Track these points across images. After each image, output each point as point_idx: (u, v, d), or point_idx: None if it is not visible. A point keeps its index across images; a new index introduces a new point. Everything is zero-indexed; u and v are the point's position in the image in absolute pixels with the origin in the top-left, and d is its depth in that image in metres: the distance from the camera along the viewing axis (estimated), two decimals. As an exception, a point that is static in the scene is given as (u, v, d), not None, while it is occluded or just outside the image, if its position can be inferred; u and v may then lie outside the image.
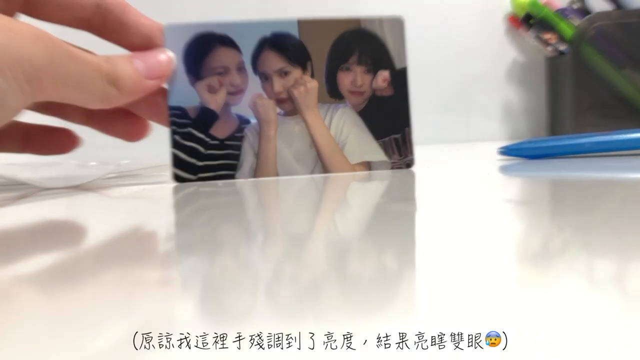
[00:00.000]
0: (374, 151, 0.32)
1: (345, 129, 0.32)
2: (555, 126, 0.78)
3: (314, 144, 0.32)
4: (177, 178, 0.31)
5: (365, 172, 0.32)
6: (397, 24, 0.33)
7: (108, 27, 0.29)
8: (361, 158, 0.32)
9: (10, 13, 0.27)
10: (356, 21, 0.33)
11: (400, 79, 0.33)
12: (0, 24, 0.23)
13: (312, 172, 0.32)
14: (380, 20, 0.33)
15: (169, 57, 0.30)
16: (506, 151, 0.37)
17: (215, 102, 0.31)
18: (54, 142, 0.31)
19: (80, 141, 0.32)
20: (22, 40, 0.23)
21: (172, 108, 0.31)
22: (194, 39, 0.31)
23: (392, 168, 0.32)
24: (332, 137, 0.32)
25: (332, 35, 0.32)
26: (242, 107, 0.32)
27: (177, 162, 0.31)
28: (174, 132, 0.31)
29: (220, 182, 0.31)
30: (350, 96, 0.32)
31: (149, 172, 0.38)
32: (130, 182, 0.33)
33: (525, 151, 0.36)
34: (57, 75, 0.24)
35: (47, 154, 0.32)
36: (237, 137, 0.32)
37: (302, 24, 0.32)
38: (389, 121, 0.32)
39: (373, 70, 0.32)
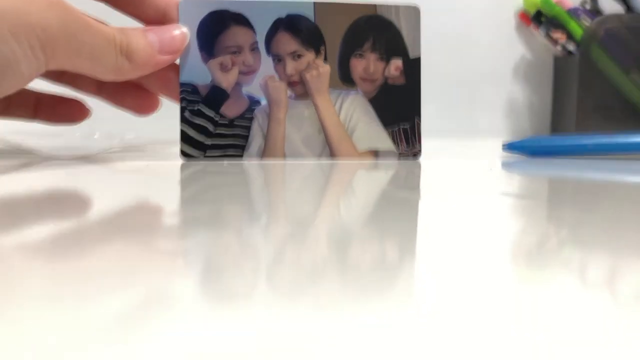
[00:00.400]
0: (382, 140, 0.32)
1: (355, 116, 0.32)
2: (558, 126, 0.78)
3: (322, 128, 0.32)
4: (185, 154, 0.31)
5: (372, 160, 0.32)
6: (413, 12, 0.33)
7: (124, 1, 0.29)
8: (369, 146, 0.32)
9: None
10: (372, 7, 0.32)
11: (412, 68, 0.33)
12: None
13: (319, 157, 0.32)
14: (397, 8, 0.32)
15: (183, 32, 0.30)
16: (510, 147, 0.37)
17: (226, 81, 0.31)
18: (64, 111, 0.31)
19: (90, 112, 0.32)
20: (37, 7, 0.23)
21: (183, 84, 0.31)
22: (209, 16, 0.31)
23: (399, 158, 0.32)
24: (342, 123, 0.32)
25: (348, 20, 0.32)
26: (253, 88, 0.31)
27: (186, 139, 0.31)
28: (183, 109, 0.31)
29: (226, 162, 0.31)
30: (362, 83, 0.32)
31: (155, 147, 0.38)
32: (136, 156, 0.33)
33: (528, 149, 0.36)
34: (70, 44, 0.24)
35: (57, 123, 0.32)
36: (246, 117, 0.31)
37: (318, 6, 0.32)
38: (399, 110, 0.32)
39: (386, 58, 0.32)
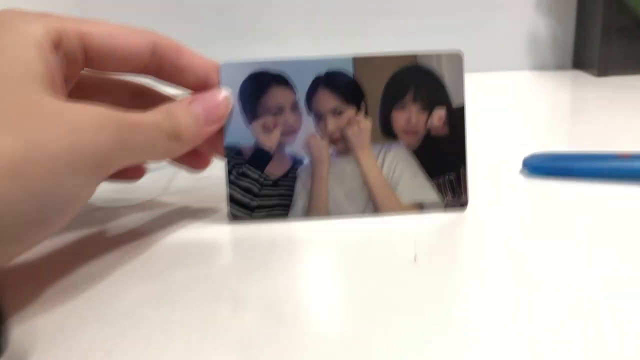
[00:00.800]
0: (427, 192, 0.32)
1: (398, 169, 0.32)
2: (580, 56, 0.75)
3: (365, 183, 0.32)
4: (233, 216, 0.32)
5: (417, 213, 0.32)
6: (456, 59, 0.32)
7: (164, 71, 0.30)
8: (413, 198, 0.32)
9: (74, 73, 0.28)
10: (412, 57, 0.32)
11: (456, 117, 0.32)
12: (64, 121, 0.23)
13: (363, 212, 0.32)
14: (438, 56, 0.32)
15: (226, 97, 0.31)
16: (530, 169, 0.37)
17: (269, 142, 0.32)
18: (125, 172, 0.33)
19: (147, 170, 0.34)
20: (88, 134, 0.23)
21: (227, 147, 0.32)
22: (249, 78, 0.31)
23: (445, 209, 0.32)
24: (384, 177, 0.32)
25: (388, 72, 0.32)
26: (296, 147, 0.32)
27: (233, 200, 0.32)
28: (229, 171, 0.32)
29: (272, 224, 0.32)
30: (404, 136, 0.32)
31: (197, 193, 0.39)
32: (185, 214, 0.34)
33: (549, 170, 0.36)
34: (124, 152, 0.25)
35: (119, 182, 0.34)
36: (290, 177, 0.32)
37: (358, 61, 0.32)
38: (443, 161, 0.32)
39: (429, 108, 0.32)
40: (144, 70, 0.30)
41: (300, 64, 0.32)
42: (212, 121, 0.30)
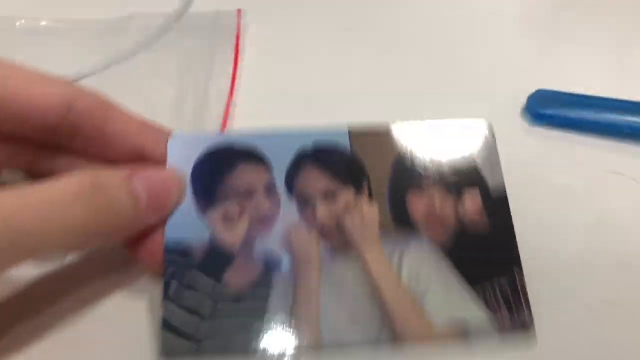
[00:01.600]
0: (469, 305, 0.21)
1: (424, 275, 0.21)
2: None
3: (378, 297, 0.21)
4: (168, 351, 0.20)
5: (459, 343, 0.20)
6: (486, 129, 0.24)
7: (81, 138, 0.21)
8: (450, 317, 0.21)
9: None
10: (427, 128, 0.24)
11: (496, 201, 0.23)
12: None
13: (377, 341, 0.20)
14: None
15: (177, 179, 0.22)
16: (536, 116, 0.27)
17: (232, 237, 0.22)
18: None
19: None
20: None
21: (169, 245, 0.21)
22: (208, 154, 0.23)
23: (500, 331, 0.21)
24: (406, 286, 0.21)
25: (396, 147, 0.24)
26: (271, 242, 0.22)
27: (170, 325, 0.20)
28: (168, 282, 0.21)
29: None
30: (427, 227, 0.22)
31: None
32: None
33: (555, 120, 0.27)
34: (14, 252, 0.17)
35: None
36: (261, 287, 0.21)
37: (355, 134, 0.24)
38: (488, 261, 0.22)
39: (457, 190, 0.23)
40: (52, 135, 0.21)
41: (278, 138, 0.23)
42: (157, 209, 0.21)
